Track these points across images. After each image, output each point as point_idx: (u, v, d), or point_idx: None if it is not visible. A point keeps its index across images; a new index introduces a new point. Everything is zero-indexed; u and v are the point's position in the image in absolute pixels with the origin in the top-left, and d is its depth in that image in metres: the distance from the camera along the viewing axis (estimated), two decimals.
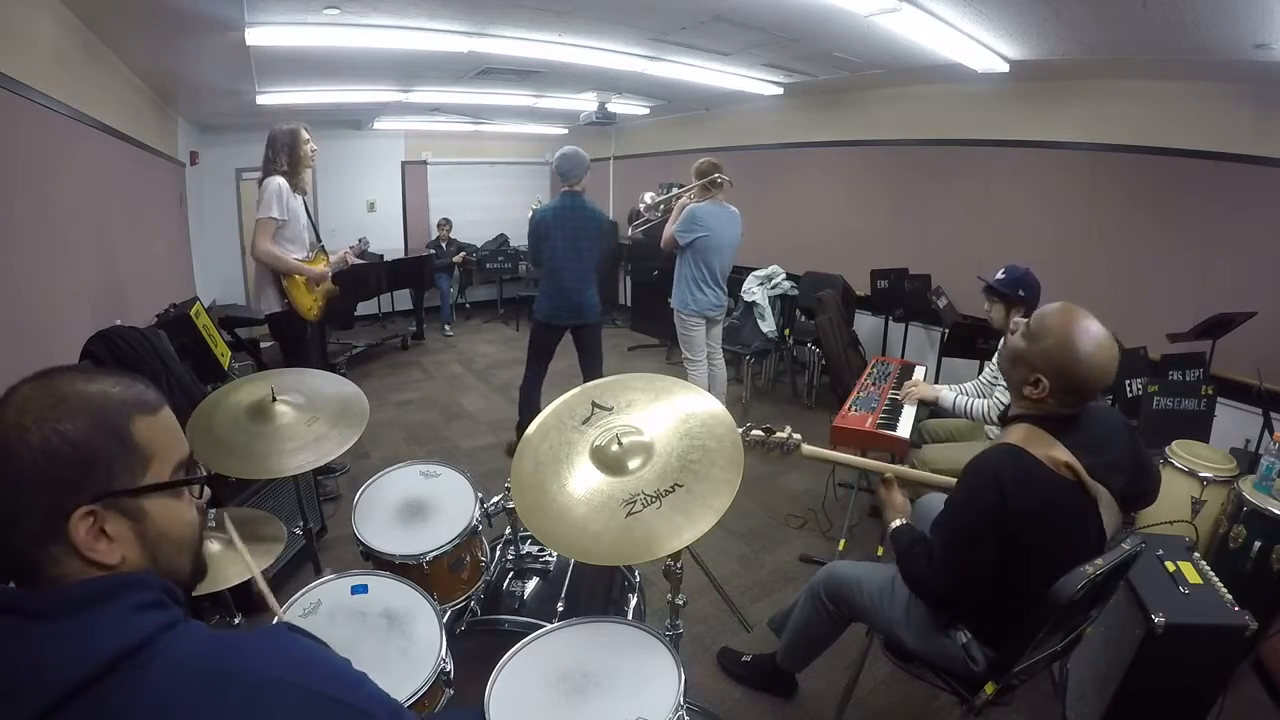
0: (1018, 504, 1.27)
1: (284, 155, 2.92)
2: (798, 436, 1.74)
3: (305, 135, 2.98)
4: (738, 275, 4.50)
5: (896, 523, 1.61)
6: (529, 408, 3.64)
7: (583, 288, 3.51)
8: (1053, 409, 1.35)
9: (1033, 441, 1.32)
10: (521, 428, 3.69)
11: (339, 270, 3.26)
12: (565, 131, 7.60)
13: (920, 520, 1.68)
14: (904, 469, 1.78)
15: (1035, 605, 1.28)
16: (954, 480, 1.54)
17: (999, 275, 2.48)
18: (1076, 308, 1.34)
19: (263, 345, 4.04)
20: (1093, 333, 1.29)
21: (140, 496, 0.65)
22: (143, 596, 0.62)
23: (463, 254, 7.30)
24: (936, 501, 1.83)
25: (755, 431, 1.74)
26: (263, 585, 1.22)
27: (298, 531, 1.91)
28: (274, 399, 1.64)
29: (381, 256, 6.22)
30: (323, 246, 3.23)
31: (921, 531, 1.55)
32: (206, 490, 0.74)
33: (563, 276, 3.46)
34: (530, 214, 3.51)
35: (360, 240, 4.03)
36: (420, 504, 1.78)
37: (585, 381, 1.50)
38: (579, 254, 3.44)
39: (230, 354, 3.34)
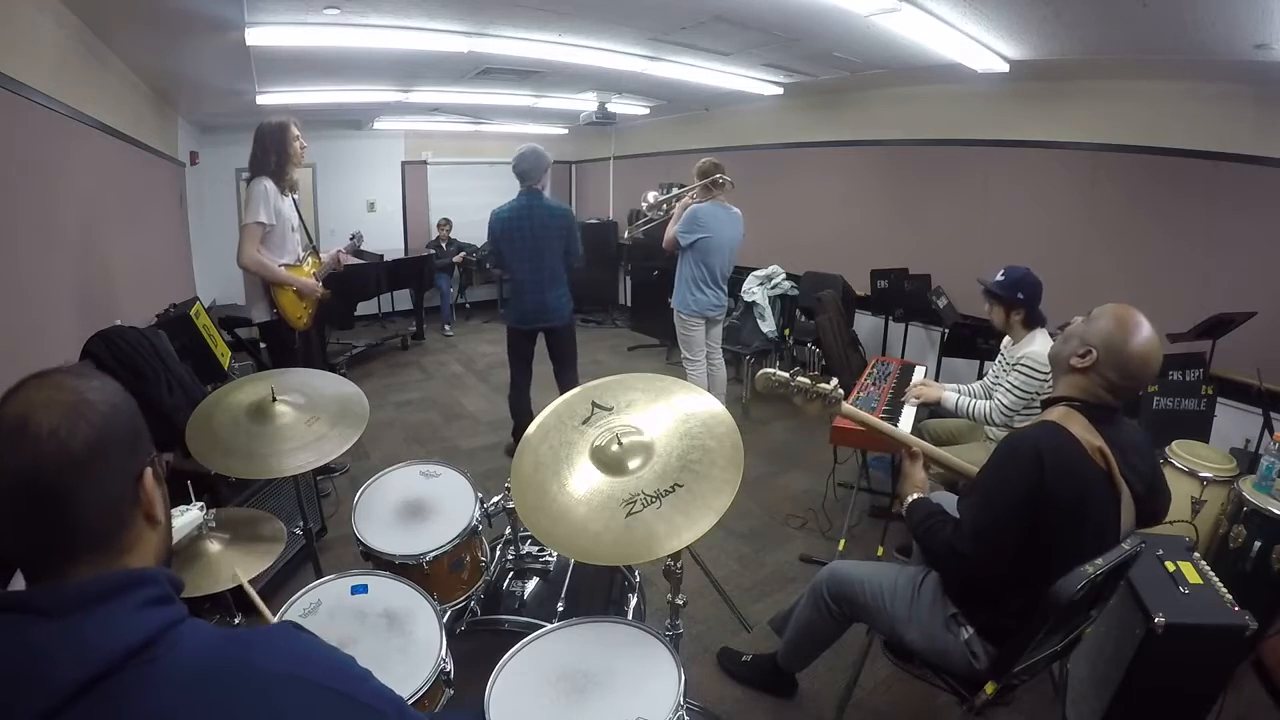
0: (1055, 481, 1.29)
1: (273, 153, 2.80)
2: (840, 392, 1.74)
3: (295, 131, 2.85)
4: (738, 275, 4.49)
5: (914, 496, 1.61)
6: (520, 413, 3.58)
7: (544, 288, 3.36)
8: (1095, 391, 1.38)
9: (1071, 421, 1.35)
10: (517, 434, 3.64)
11: (331, 272, 3.15)
12: (565, 131, 7.59)
13: None
14: (931, 447, 1.77)
15: (1043, 594, 1.28)
16: (975, 468, 1.56)
17: (998, 277, 2.45)
18: (1135, 309, 1.41)
19: (262, 345, 4.04)
20: (1146, 327, 1.37)
21: (157, 458, 0.72)
22: (151, 592, 0.63)
23: (463, 254, 7.29)
24: (944, 499, 1.84)
25: (802, 379, 1.71)
26: (253, 595, 1.22)
27: (298, 531, 1.90)
28: (274, 399, 1.64)
29: (381, 256, 6.22)
30: (314, 248, 3.14)
31: (939, 505, 1.56)
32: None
33: (523, 278, 3.36)
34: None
35: (354, 237, 3.95)
36: (420, 504, 1.78)
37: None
38: (539, 254, 3.31)
39: (230, 354, 3.35)
